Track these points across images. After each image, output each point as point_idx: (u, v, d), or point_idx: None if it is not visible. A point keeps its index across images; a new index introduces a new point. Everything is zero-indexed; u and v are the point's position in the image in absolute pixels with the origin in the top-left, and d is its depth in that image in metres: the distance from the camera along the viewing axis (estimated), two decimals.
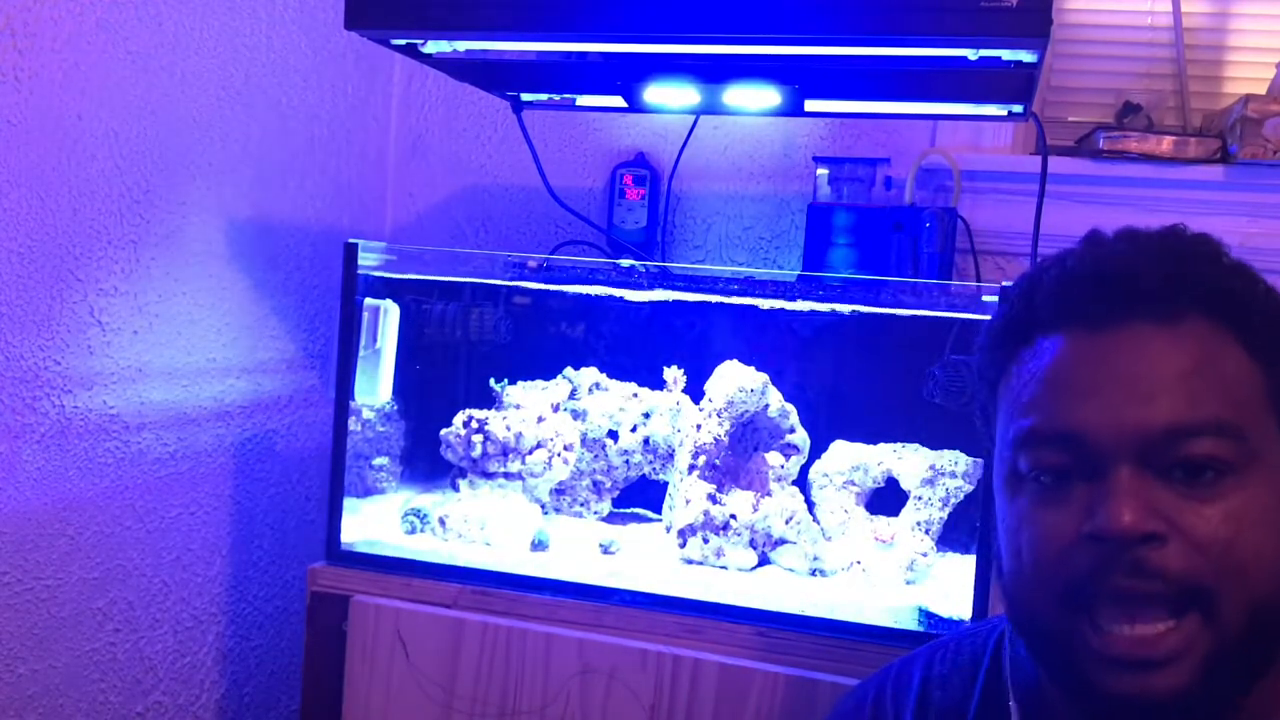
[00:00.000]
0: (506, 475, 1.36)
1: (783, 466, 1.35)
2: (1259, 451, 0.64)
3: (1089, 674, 0.64)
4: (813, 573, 1.28)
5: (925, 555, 1.27)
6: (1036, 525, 0.66)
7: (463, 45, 1.16)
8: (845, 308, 1.32)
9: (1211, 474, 0.63)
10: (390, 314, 1.36)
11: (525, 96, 1.46)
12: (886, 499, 1.35)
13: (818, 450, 1.37)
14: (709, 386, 1.33)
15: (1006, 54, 1.01)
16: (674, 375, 1.43)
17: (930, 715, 0.80)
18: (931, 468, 1.30)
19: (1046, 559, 0.65)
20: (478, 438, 1.35)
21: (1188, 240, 0.70)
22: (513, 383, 1.43)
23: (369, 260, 1.33)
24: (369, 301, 1.34)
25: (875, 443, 1.35)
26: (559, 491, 1.44)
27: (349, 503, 1.33)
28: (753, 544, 1.28)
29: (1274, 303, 0.69)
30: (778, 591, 1.22)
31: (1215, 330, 0.66)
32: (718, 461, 1.32)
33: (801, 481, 1.36)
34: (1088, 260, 0.69)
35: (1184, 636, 0.62)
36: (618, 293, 1.39)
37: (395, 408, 1.46)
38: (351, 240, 1.32)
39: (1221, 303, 0.66)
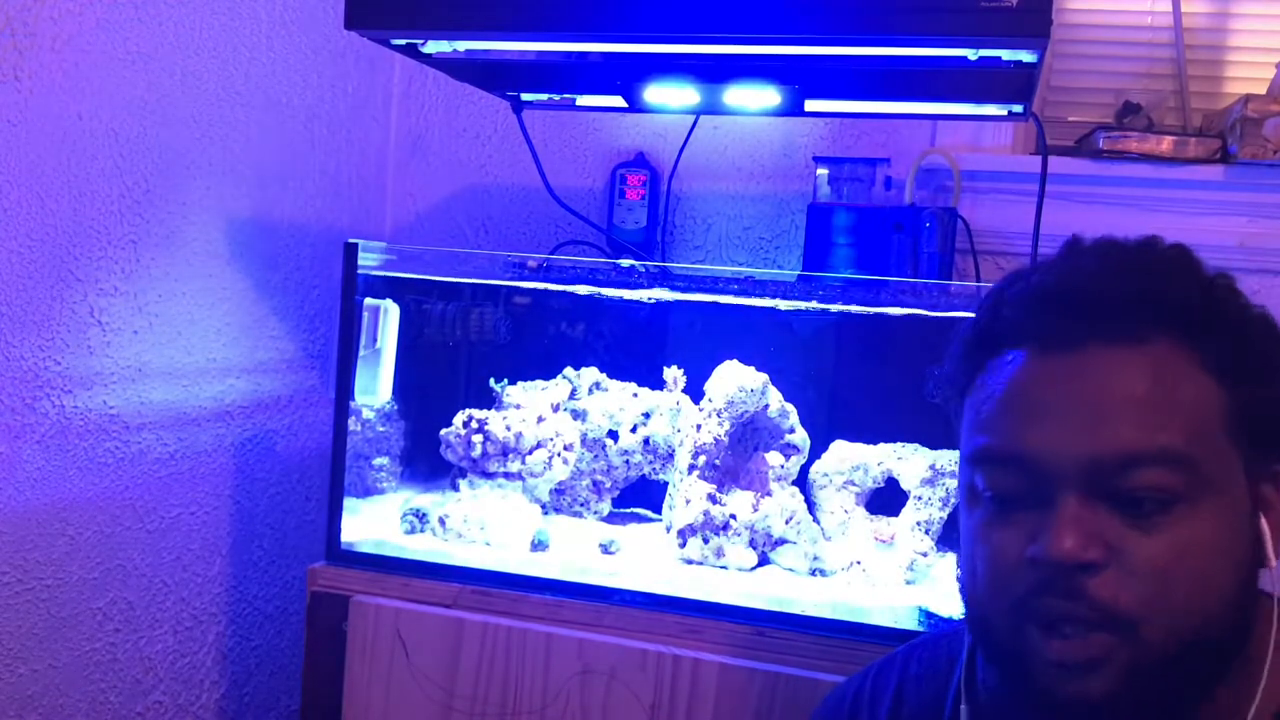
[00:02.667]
0: (506, 475, 1.36)
1: (783, 466, 1.35)
2: (1212, 479, 0.63)
3: (1038, 679, 0.65)
4: (813, 573, 1.28)
5: (925, 555, 1.27)
6: (989, 543, 0.67)
7: (463, 45, 1.16)
8: (846, 308, 1.32)
9: (1158, 504, 0.62)
10: (390, 314, 1.36)
11: (525, 96, 1.46)
12: (886, 499, 1.35)
13: (818, 450, 1.37)
14: (709, 386, 1.33)
15: (1006, 54, 1.01)
16: (674, 375, 1.43)
17: (905, 714, 0.81)
18: (931, 468, 1.30)
19: (997, 576, 0.67)
20: (478, 438, 1.35)
21: (1160, 256, 0.68)
22: (513, 383, 1.43)
23: (369, 260, 1.33)
24: (369, 301, 1.34)
25: (875, 443, 1.35)
26: (559, 491, 1.44)
27: (349, 503, 1.33)
28: (753, 544, 1.28)
29: (1243, 322, 0.67)
30: (778, 592, 1.22)
31: (1178, 351, 0.65)
32: (718, 461, 1.32)
33: (801, 481, 1.36)
34: (1052, 277, 0.68)
35: (1096, 647, 0.62)
36: (618, 293, 1.39)
37: (395, 408, 1.46)
38: (351, 240, 1.32)
39: (1186, 323, 0.65)
